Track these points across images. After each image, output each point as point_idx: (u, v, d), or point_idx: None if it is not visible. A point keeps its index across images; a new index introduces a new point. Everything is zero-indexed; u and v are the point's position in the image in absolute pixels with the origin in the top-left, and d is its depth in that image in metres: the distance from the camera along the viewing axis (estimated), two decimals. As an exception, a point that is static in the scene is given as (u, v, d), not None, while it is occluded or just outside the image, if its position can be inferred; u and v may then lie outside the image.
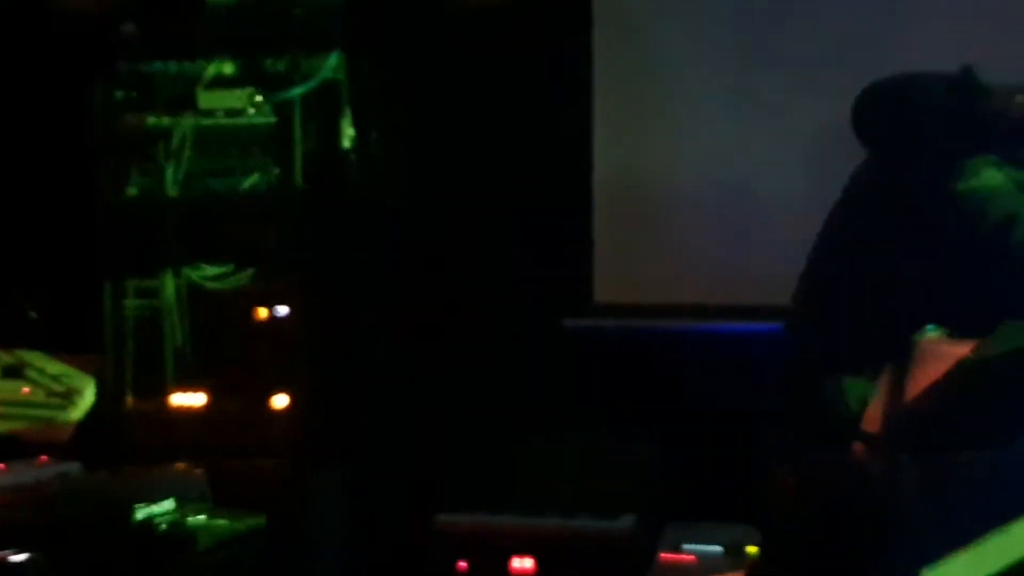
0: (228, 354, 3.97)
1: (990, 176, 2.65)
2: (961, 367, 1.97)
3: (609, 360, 4.31)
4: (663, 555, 3.86)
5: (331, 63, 3.97)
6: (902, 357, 2.05)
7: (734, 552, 3.61)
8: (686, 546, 3.87)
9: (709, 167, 4.30)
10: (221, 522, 3.50)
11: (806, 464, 2.09)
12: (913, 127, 2.73)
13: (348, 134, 4.03)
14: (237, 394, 3.95)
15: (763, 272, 4.00)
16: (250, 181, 3.95)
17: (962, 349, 2.01)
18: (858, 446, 2.07)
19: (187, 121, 3.97)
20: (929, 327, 2.10)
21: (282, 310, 3.92)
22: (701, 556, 3.73)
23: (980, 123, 2.71)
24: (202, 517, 3.48)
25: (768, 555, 2.17)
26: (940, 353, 2.04)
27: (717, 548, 3.72)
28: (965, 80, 2.78)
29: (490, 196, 4.42)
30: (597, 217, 4.41)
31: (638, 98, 4.39)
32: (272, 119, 3.95)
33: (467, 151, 4.41)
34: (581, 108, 4.40)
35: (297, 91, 3.94)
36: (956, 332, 2.10)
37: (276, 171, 3.94)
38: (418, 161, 4.34)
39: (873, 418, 2.07)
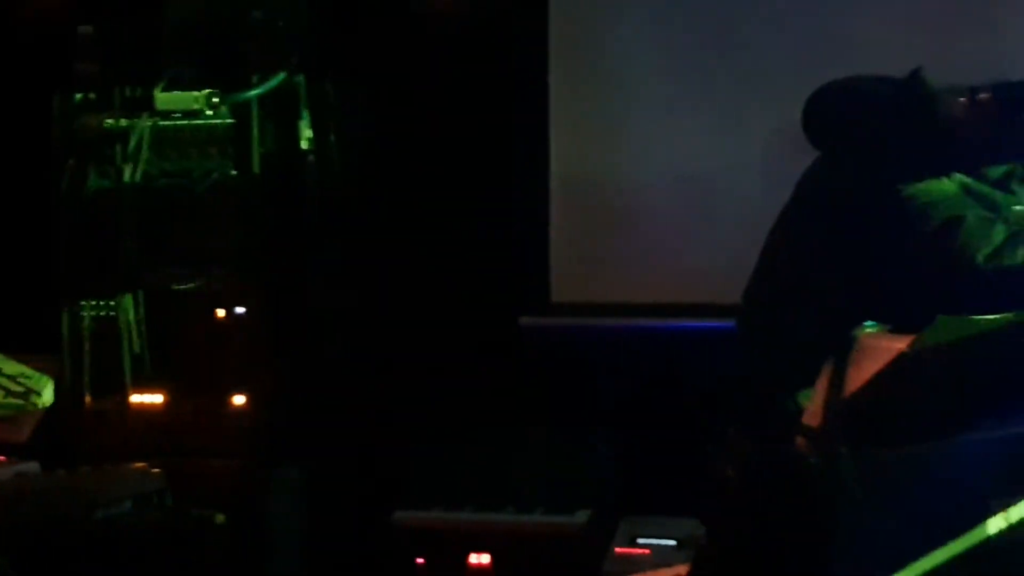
0: (186, 354, 3.98)
1: (937, 179, 2.72)
2: (897, 361, 2.02)
3: (565, 358, 4.36)
4: (618, 549, 3.92)
5: (289, 64, 3.99)
6: (841, 352, 2.11)
7: (687, 545, 3.67)
8: (640, 540, 3.94)
9: (665, 167, 4.34)
10: (179, 521, 3.51)
11: (747, 458, 2.14)
12: (859, 128, 2.79)
13: (306, 135, 4.05)
14: (195, 394, 3.96)
15: (718, 271, 4.05)
16: (208, 182, 3.97)
17: (899, 344, 2.07)
18: (800, 440, 2.12)
19: (145, 122, 3.98)
20: (868, 323, 2.16)
21: (240, 310, 3.94)
22: (655, 549, 3.80)
23: (926, 125, 2.77)
24: (160, 516, 3.50)
25: (711, 546, 2.22)
26: (878, 348, 2.10)
27: (671, 542, 3.78)
28: (912, 82, 2.84)
29: (448, 196, 4.45)
30: (554, 217, 4.45)
31: (595, 99, 4.43)
32: (230, 120, 3.96)
33: (424, 151, 4.44)
34: (538, 108, 4.44)
35: (254, 92, 3.95)
36: (895, 328, 2.15)
37: (233, 172, 3.96)
38: (376, 161, 4.37)
39: (814, 412, 2.12)
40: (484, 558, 3.98)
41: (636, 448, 4.14)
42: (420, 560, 4.01)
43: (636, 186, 4.38)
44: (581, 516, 4.03)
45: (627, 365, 4.26)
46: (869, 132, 2.76)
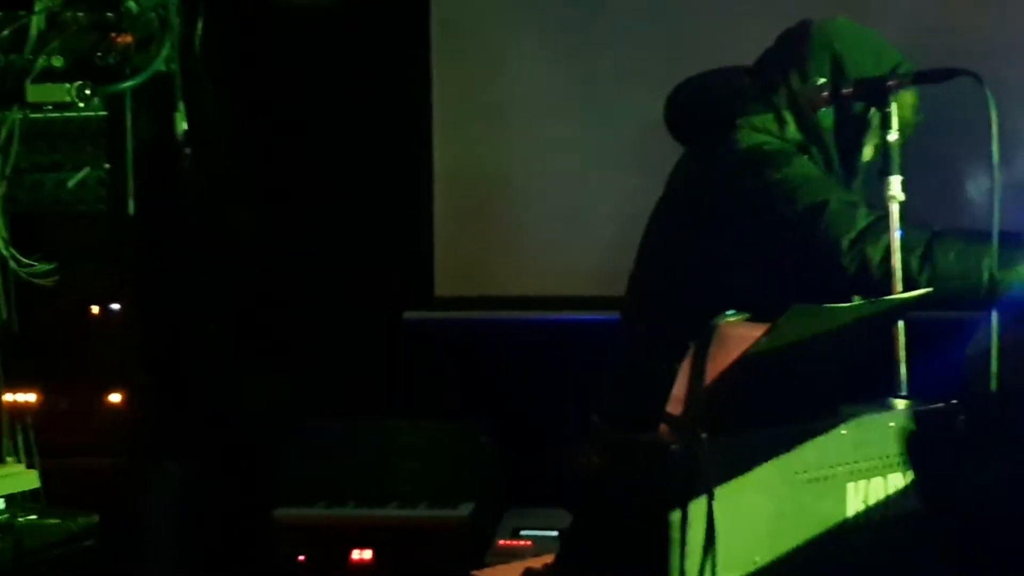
0: (61, 351, 3.91)
1: (801, 163, 2.75)
2: (754, 349, 2.05)
3: (449, 352, 4.36)
4: (501, 541, 3.93)
5: (163, 56, 3.93)
6: (703, 341, 2.12)
7: (568, 536, 3.68)
8: (524, 532, 3.95)
9: (546, 162, 4.38)
10: (52, 521, 3.46)
11: (611, 445, 2.15)
12: (718, 115, 2.82)
13: (181, 127, 4.00)
14: (70, 392, 3.90)
15: (598, 264, 4.10)
16: (81, 175, 3.90)
17: (758, 332, 2.09)
18: (662, 427, 2.14)
19: (15, 115, 3.89)
20: (729, 311, 2.17)
21: (114, 306, 3.88)
22: (537, 541, 3.81)
23: (783, 107, 2.80)
24: (33, 516, 3.44)
25: (575, 534, 2.24)
26: (737, 336, 2.12)
27: (552, 532, 3.80)
28: (762, 64, 2.87)
29: (330, 191, 4.43)
30: (437, 211, 4.45)
31: (477, 94, 4.44)
32: (103, 113, 3.90)
33: (305, 145, 4.41)
34: (421, 102, 4.43)
35: (128, 84, 3.89)
36: (757, 316, 2.17)
37: (107, 165, 3.89)
38: (255, 155, 4.33)
39: (676, 400, 2.13)
40: (366, 554, 3.97)
41: (519, 441, 4.16)
42: (301, 557, 3.98)
43: (518, 181, 4.41)
44: (464, 509, 4.04)
45: (509, 358, 4.27)
46: (722, 121, 2.78)
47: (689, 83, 2.92)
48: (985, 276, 2.51)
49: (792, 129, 2.75)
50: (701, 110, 2.86)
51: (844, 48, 2.74)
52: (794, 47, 2.79)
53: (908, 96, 2.69)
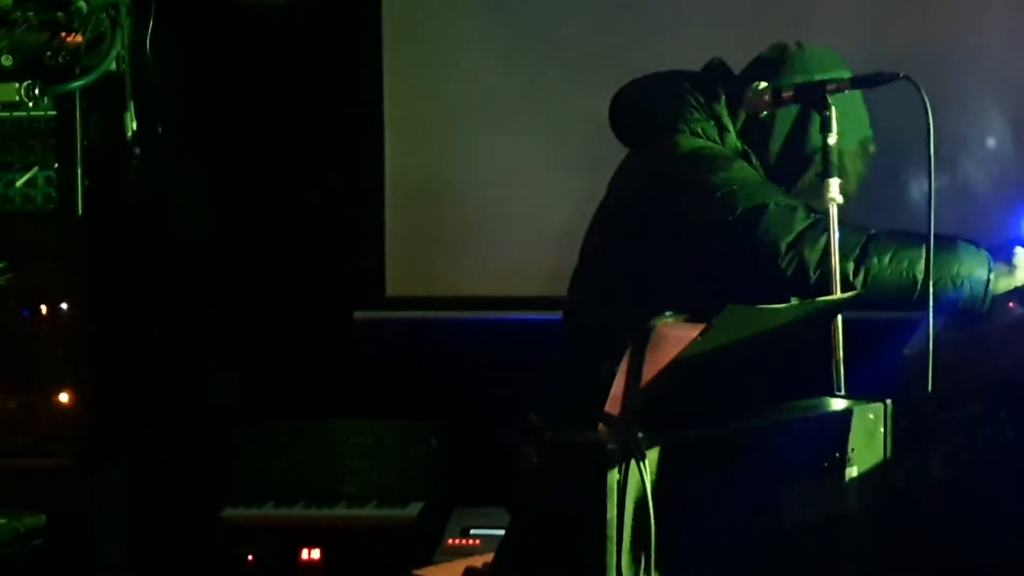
0: (7, 351, 3.89)
1: (740, 168, 2.78)
2: (690, 349, 2.07)
3: (399, 351, 4.37)
4: (450, 540, 3.95)
5: (113, 55, 3.92)
6: (641, 341, 2.15)
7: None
8: (473, 531, 3.97)
9: (496, 163, 4.40)
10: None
11: (548, 444, 2.17)
12: (660, 119, 2.85)
13: (131, 127, 3.99)
14: (18, 392, 3.88)
15: (548, 264, 4.12)
16: (29, 175, 3.88)
17: (695, 332, 2.11)
18: (601, 427, 2.16)
19: (-38, 115, 3.87)
20: (667, 312, 2.20)
21: (62, 306, 3.86)
22: (485, 539, 3.83)
23: (723, 115, 2.84)
24: (-20, 518, 3.43)
25: (513, 533, 2.25)
26: (675, 336, 2.14)
27: (501, 532, 3.80)
28: (711, 73, 2.91)
29: (281, 191, 4.43)
30: (388, 212, 4.46)
31: (428, 95, 4.45)
32: (52, 112, 3.88)
33: (257, 146, 4.41)
34: (372, 103, 4.44)
35: (78, 84, 3.87)
36: (695, 316, 2.20)
37: (56, 165, 3.88)
38: (205, 155, 4.33)
39: (614, 400, 2.16)
40: (315, 553, 3.97)
41: (468, 440, 4.18)
42: (250, 557, 3.98)
43: (468, 182, 4.43)
44: (413, 509, 4.05)
45: (459, 358, 4.29)
46: (663, 125, 2.81)
47: (633, 85, 2.95)
48: (919, 278, 2.55)
49: (732, 137, 2.79)
50: (643, 113, 2.89)
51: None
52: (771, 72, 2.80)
53: (858, 163, 2.75)
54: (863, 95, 2.86)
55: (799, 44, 2.86)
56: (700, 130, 2.77)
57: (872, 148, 2.90)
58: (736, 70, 2.94)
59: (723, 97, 2.80)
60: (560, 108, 4.28)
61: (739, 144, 2.79)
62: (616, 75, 3.16)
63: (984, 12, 4.11)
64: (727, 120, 2.78)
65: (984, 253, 2.66)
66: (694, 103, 2.79)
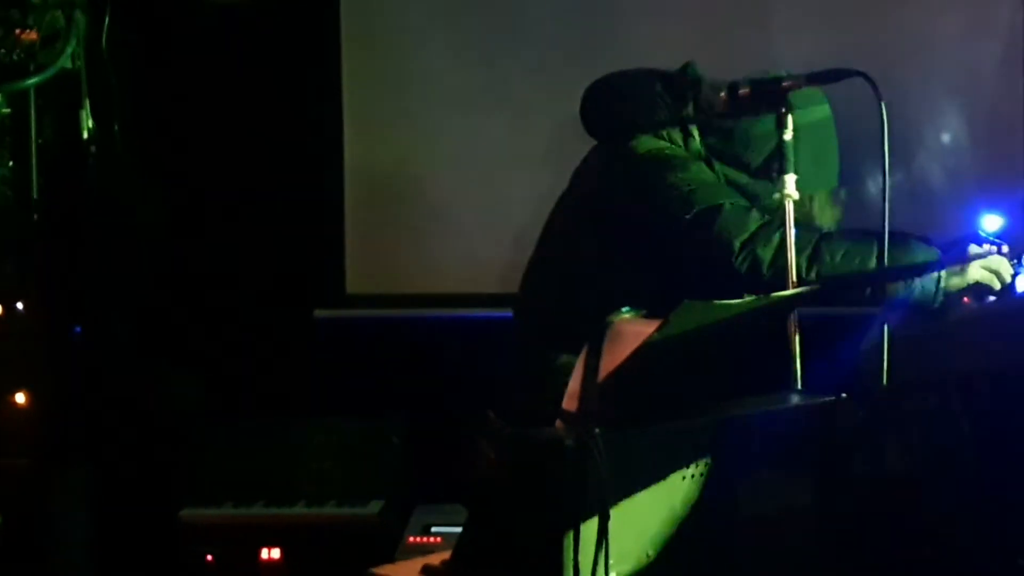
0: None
1: (699, 169, 2.80)
2: (645, 345, 2.08)
3: (359, 349, 4.36)
4: (411, 538, 3.94)
5: (68, 52, 3.89)
6: (597, 337, 2.15)
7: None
8: (434, 528, 3.96)
9: (458, 159, 4.38)
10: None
11: (506, 440, 2.17)
12: (627, 119, 2.86)
13: (87, 125, 3.96)
14: (-26, 393, 3.85)
15: (510, 262, 4.10)
16: (-17, 174, 3.85)
17: (652, 328, 2.12)
18: (558, 423, 2.16)
19: (-86, 114, 3.84)
20: (624, 308, 2.21)
21: (19, 305, 3.83)
22: (447, 537, 3.82)
23: (691, 115, 2.85)
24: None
25: (471, 530, 2.25)
26: (632, 332, 2.15)
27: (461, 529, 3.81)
28: (682, 75, 2.92)
29: (241, 189, 4.41)
30: (349, 210, 4.44)
31: (388, 91, 4.43)
32: (6, 110, 3.84)
33: (215, 143, 4.39)
34: (332, 100, 4.42)
35: (32, 81, 3.84)
36: (651, 313, 2.20)
37: (11, 163, 3.84)
38: (163, 153, 4.30)
39: (571, 396, 2.16)
40: (275, 553, 3.96)
41: (429, 438, 4.17)
42: (209, 558, 3.96)
43: (430, 178, 4.41)
44: (374, 507, 4.04)
45: (420, 355, 4.28)
46: (635, 122, 2.82)
47: (605, 82, 2.95)
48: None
49: (696, 144, 2.81)
50: (613, 111, 2.90)
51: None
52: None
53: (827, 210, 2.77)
54: (838, 141, 2.89)
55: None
56: (665, 134, 2.80)
57: (843, 195, 2.93)
58: (702, 67, 2.95)
59: (691, 104, 2.82)
60: (524, 103, 4.27)
61: (702, 150, 2.81)
62: (581, 69, 3.17)
63: (940, 9, 4.13)
64: (693, 126, 2.81)
65: (935, 250, 2.68)
66: (663, 107, 2.81)
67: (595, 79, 3.04)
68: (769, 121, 2.66)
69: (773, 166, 2.74)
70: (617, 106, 2.92)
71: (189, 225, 4.34)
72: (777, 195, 2.60)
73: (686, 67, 2.94)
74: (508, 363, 2.99)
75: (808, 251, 2.59)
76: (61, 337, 3.89)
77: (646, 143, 2.79)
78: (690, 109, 2.84)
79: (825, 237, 2.63)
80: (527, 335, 2.87)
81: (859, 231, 2.68)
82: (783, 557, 2.33)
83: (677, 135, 2.83)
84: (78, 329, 3.93)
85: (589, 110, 2.98)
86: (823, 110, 2.84)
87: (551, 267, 2.88)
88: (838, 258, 2.60)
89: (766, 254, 2.56)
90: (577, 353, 2.56)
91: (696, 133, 2.83)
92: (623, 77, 2.98)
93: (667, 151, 2.78)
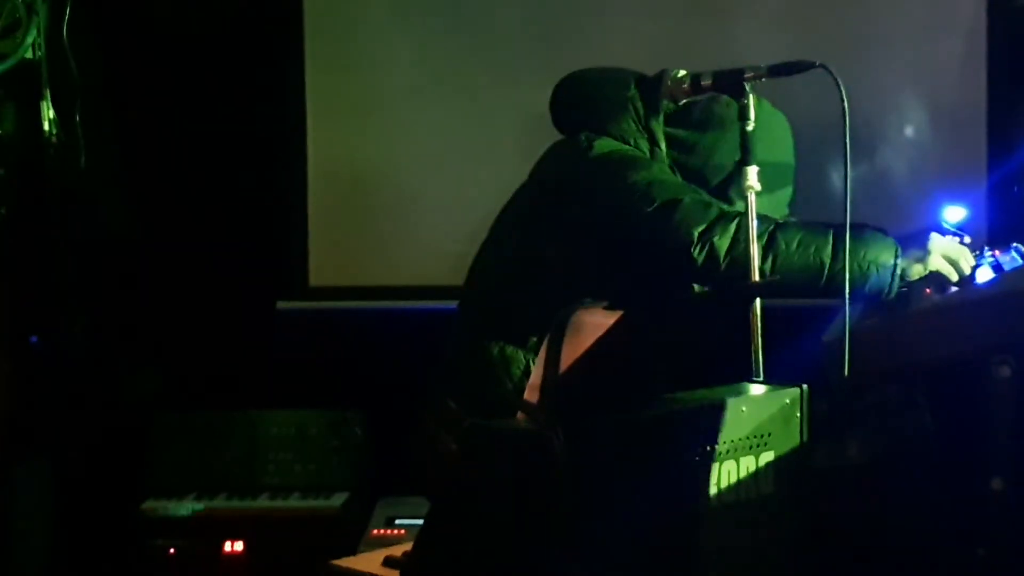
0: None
1: (660, 169, 2.80)
2: (605, 336, 2.08)
3: (322, 341, 4.35)
4: (374, 531, 3.94)
5: (28, 43, 3.86)
6: (558, 329, 2.15)
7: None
8: (398, 521, 3.96)
9: (420, 153, 4.39)
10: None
11: (467, 432, 2.17)
12: (595, 119, 2.85)
13: (48, 116, 3.93)
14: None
15: (472, 254, 4.10)
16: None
17: (612, 320, 2.12)
18: (519, 415, 2.16)
19: None
20: (586, 300, 2.21)
21: (-22, 298, 3.80)
22: (411, 529, 3.82)
23: (658, 131, 2.85)
24: None
25: (434, 520, 2.25)
26: (593, 324, 2.15)
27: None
28: (657, 82, 2.90)
29: (203, 181, 4.39)
30: (312, 202, 4.43)
31: (351, 85, 4.43)
32: (-34, 102, 3.82)
33: (178, 135, 4.36)
34: (295, 93, 4.41)
35: (-8, 72, 3.81)
36: (611, 305, 2.20)
37: (-30, 155, 3.81)
38: (125, 144, 4.27)
39: (533, 388, 2.16)
40: (238, 545, 3.94)
41: (393, 430, 4.15)
42: (172, 550, 3.94)
43: (393, 172, 4.41)
44: (337, 499, 4.03)
45: (383, 347, 4.27)
46: (602, 118, 2.82)
47: (581, 76, 2.94)
48: (826, 263, 2.58)
49: (662, 154, 2.81)
50: (583, 109, 2.88)
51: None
52: None
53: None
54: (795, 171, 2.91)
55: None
56: (632, 141, 2.79)
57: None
58: (666, 63, 2.94)
59: (661, 115, 2.81)
60: (488, 97, 4.28)
61: (667, 160, 2.81)
62: (545, 63, 3.16)
63: (903, 3, 4.16)
64: (660, 136, 2.81)
65: (891, 240, 2.68)
66: (634, 113, 2.81)
67: (567, 73, 3.03)
68: (731, 148, 2.67)
69: (729, 190, 2.76)
70: (587, 104, 2.90)
71: (151, 216, 4.31)
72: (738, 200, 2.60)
73: (662, 74, 2.93)
74: (450, 352, 2.95)
75: (763, 240, 2.58)
76: (23, 330, 3.86)
77: (610, 144, 2.79)
78: (660, 120, 2.83)
79: (781, 226, 2.62)
80: (472, 324, 2.84)
81: (815, 223, 2.68)
82: (745, 546, 2.34)
83: (644, 144, 2.83)
84: (34, 340, 3.90)
85: (559, 103, 2.97)
86: (787, 153, 2.86)
87: (506, 254, 2.86)
88: (793, 246, 2.59)
89: (723, 243, 2.55)
90: (522, 344, 2.56)
91: (663, 143, 2.83)
92: (597, 76, 2.96)
93: (629, 152, 2.78)
